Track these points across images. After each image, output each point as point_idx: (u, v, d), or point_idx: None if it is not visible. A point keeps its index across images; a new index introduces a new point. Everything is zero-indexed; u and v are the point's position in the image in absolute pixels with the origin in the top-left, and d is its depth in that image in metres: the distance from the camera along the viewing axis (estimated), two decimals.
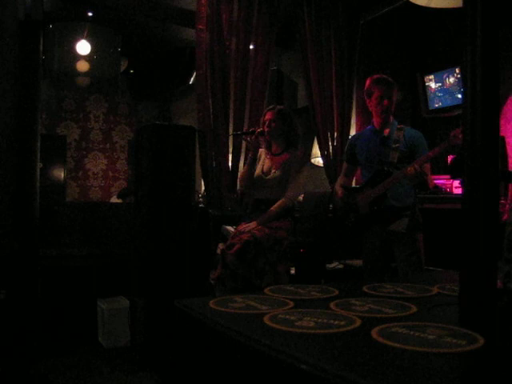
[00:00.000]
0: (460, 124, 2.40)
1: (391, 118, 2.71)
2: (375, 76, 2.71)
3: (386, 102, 2.64)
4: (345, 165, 2.95)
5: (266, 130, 2.90)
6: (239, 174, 3.13)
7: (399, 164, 2.57)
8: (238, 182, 3.15)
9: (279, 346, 0.81)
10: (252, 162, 2.97)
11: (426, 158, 2.47)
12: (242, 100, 4.03)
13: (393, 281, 1.39)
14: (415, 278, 1.52)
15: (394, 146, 2.61)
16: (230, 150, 4.01)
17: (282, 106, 3.02)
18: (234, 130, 3.92)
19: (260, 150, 3.04)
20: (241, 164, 3.96)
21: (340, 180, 2.97)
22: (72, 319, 3.39)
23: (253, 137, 2.95)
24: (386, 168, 2.60)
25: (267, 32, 4.17)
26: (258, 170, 2.98)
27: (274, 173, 2.90)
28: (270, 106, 3.03)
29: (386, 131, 2.69)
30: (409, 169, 2.44)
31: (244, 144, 3.74)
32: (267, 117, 2.93)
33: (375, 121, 2.74)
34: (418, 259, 2.60)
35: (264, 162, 2.99)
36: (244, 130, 3.18)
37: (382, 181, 2.60)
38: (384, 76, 2.70)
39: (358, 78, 4.75)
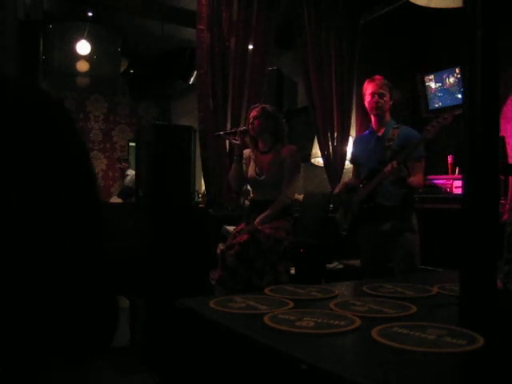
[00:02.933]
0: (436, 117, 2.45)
1: (387, 117, 2.74)
2: (372, 77, 2.76)
3: (376, 98, 2.67)
4: (352, 166, 3.02)
5: (251, 127, 2.90)
6: (230, 173, 3.12)
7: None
8: (230, 181, 3.15)
9: (279, 345, 0.81)
10: (238, 160, 2.97)
11: (402, 155, 2.49)
12: (239, 99, 4.03)
13: (390, 281, 1.39)
14: (415, 278, 1.52)
15: (386, 144, 2.63)
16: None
17: (265, 105, 3.03)
18: (230, 130, 3.91)
19: (246, 152, 3.03)
20: None
21: (348, 179, 3.00)
22: None
23: (236, 136, 2.95)
24: (377, 166, 2.62)
25: (266, 32, 4.17)
26: (251, 172, 2.97)
27: (268, 173, 2.89)
28: (255, 105, 3.05)
29: (381, 131, 2.73)
30: (387, 166, 2.46)
31: None
32: (252, 114, 2.93)
33: (372, 121, 2.78)
34: (412, 260, 2.59)
35: (255, 162, 2.98)
36: (226, 131, 3.17)
37: (372, 179, 2.62)
38: (378, 76, 2.74)
39: (358, 77, 4.75)
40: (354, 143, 3.00)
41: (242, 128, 2.96)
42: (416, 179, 2.62)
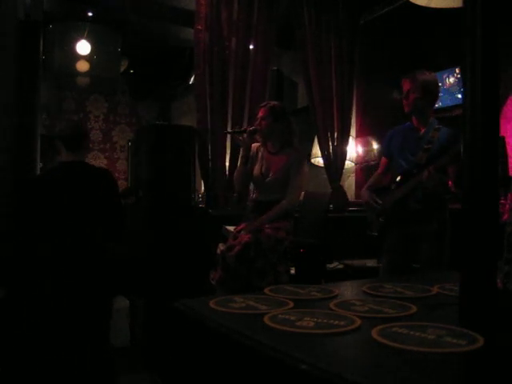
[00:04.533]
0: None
1: (428, 116, 2.62)
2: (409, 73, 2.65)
3: (404, 99, 2.58)
4: (383, 159, 2.85)
5: (259, 128, 2.82)
6: (234, 174, 3.08)
7: (430, 165, 2.46)
8: (234, 182, 3.10)
9: (279, 345, 0.81)
10: (244, 161, 2.89)
11: (441, 161, 2.41)
12: (241, 100, 4.03)
13: (390, 281, 1.39)
14: (415, 278, 1.52)
15: (425, 146, 2.53)
16: (230, 149, 4.01)
17: (274, 103, 2.92)
18: (239, 128, 3.90)
19: (255, 146, 2.96)
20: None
21: (371, 179, 2.85)
22: None
23: (245, 135, 2.87)
24: (411, 169, 2.55)
25: (267, 32, 4.17)
26: (256, 170, 2.92)
27: (274, 175, 2.84)
28: (263, 103, 2.95)
29: (422, 130, 2.61)
30: (425, 172, 2.41)
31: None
32: (259, 114, 2.85)
33: (413, 118, 2.66)
34: (442, 263, 2.56)
35: (262, 161, 2.92)
36: (235, 129, 3.09)
37: (405, 182, 2.56)
38: (413, 72, 2.62)
39: (358, 77, 4.75)
40: (390, 136, 2.80)
41: (251, 128, 2.88)
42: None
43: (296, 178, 2.81)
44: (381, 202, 2.66)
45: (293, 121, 2.96)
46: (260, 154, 2.93)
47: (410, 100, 2.57)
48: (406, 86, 2.60)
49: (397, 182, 2.64)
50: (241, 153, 2.94)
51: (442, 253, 2.57)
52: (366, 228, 2.78)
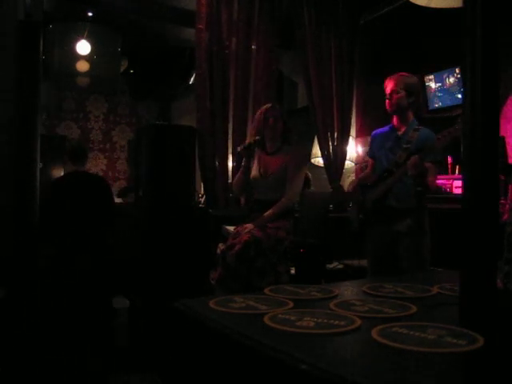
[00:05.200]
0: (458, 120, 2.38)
1: (409, 116, 2.67)
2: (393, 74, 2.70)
3: (388, 99, 2.63)
4: (369, 160, 2.93)
5: (269, 127, 2.83)
6: (234, 180, 3.08)
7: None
8: (233, 187, 3.11)
9: (279, 345, 0.81)
10: (246, 169, 2.91)
11: (425, 151, 2.46)
12: (243, 100, 4.02)
13: (390, 281, 1.39)
14: (415, 278, 1.52)
15: (404, 146, 2.58)
16: (230, 150, 4.01)
17: (277, 105, 2.97)
18: (234, 130, 3.92)
19: None
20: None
21: (362, 173, 2.94)
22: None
23: (251, 147, 2.87)
24: (390, 167, 2.60)
25: (268, 32, 4.17)
26: (255, 171, 2.93)
27: (273, 174, 2.85)
28: (269, 105, 2.95)
29: (402, 130, 2.67)
30: (411, 160, 2.43)
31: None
32: (270, 113, 2.85)
33: (394, 118, 2.72)
34: (421, 262, 2.58)
35: (260, 162, 2.93)
36: (244, 145, 3.01)
37: (384, 180, 2.60)
38: (397, 73, 2.67)
39: (358, 77, 4.75)
40: (373, 139, 2.89)
41: (257, 138, 2.87)
42: (430, 180, 2.58)
43: (295, 175, 2.82)
44: (362, 198, 2.72)
45: (289, 119, 3.00)
46: (257, 156, 2.95)
47: (393, 100, 2.62)
48: (390, 86, 2.65)
49: (376, 180, 2.68)
50: (243, 163, 2.93)
51: (423, 249, 2.60)
52: (349, 225, 2.83)
